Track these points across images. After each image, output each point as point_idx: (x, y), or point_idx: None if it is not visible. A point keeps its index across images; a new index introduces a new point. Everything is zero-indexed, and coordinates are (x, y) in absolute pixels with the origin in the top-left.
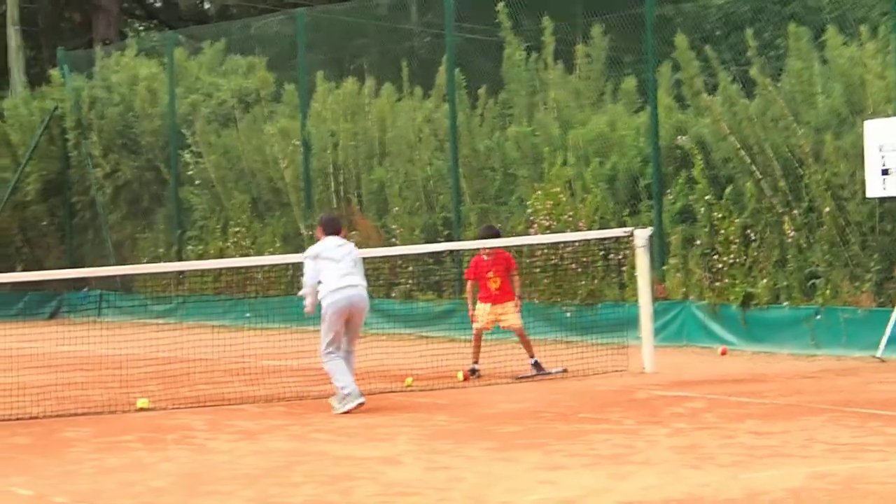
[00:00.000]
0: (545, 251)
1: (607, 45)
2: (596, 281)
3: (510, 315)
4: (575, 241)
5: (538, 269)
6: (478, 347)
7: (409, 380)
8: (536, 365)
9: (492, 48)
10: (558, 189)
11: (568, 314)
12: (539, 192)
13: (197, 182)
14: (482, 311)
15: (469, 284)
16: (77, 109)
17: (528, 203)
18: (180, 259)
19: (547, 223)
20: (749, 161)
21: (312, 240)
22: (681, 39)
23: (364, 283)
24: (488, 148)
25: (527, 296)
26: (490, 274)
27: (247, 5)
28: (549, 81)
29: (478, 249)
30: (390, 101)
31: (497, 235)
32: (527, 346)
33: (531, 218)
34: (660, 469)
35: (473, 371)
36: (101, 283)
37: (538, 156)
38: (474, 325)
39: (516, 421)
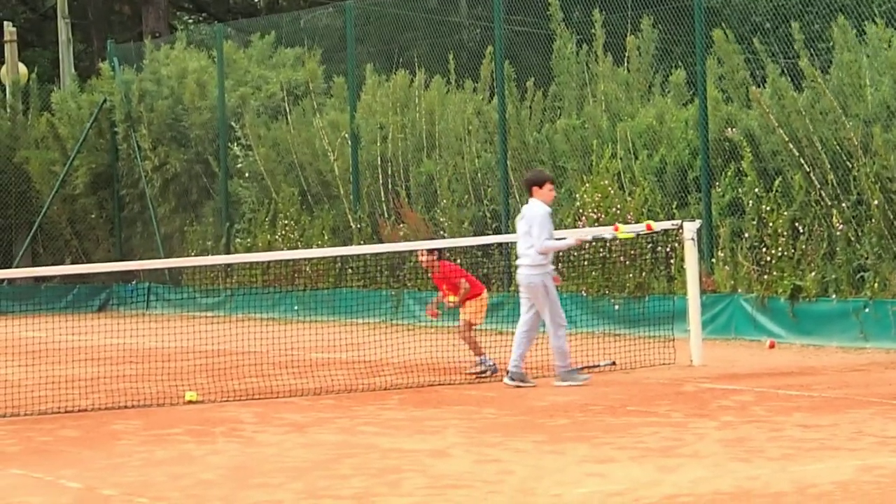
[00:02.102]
0: (594, 244)
1: (657, 38)
2: (644, 274)
3: (469, 310)
4: None
5: (586, 262)
6: (472, 345)
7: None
8: (484, 365)
9: (541, 41)
10: (607, 182)
11: (616, 307)
12: (588, 185)
13: (246, 175)
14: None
15: (462, 282)
16: (126, 102)
17: (576, 196)
18: (229, 252)
19: (595, 216)
20: (798, 154)
21: (361, 233)
22: (720, 34)
23: (524, 257)
24: (537, 141)
25: (575, 288)
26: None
27: None
28: (598, 74)
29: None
30: (440, 93)
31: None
32: (472, 344)
33: (580, 211)
34: (708, 462)
35: (484, 365)
36: (149, 276)
37: (587, 148)
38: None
39: (565, 414)
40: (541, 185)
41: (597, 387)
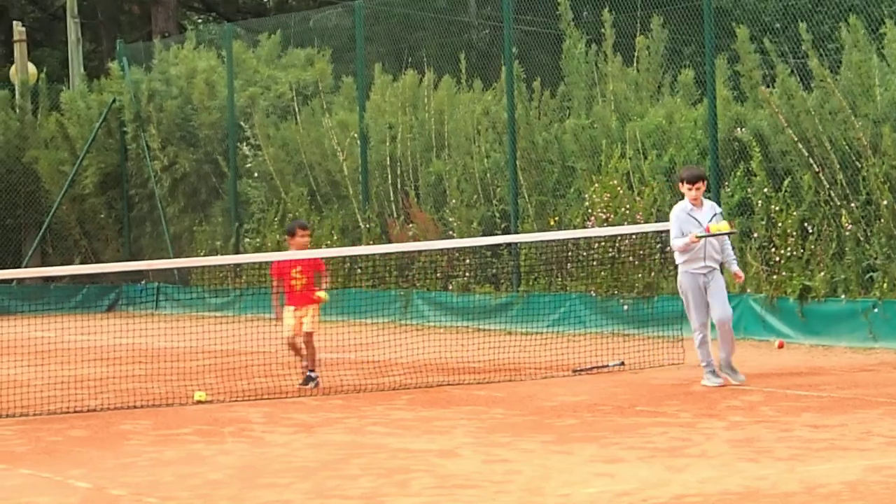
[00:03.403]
0: (603, 244)
1: (666, 38)
2: (653, 274)
3: (307, 319)
4: (632, 234)
5: (595, 262)
6: (300, 353)
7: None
8: (310, 378)
9: (550, 40)
10: (616, 182)
11: (625, 307)
12: (597, 185)
13: (255, 175)
14: (288, 317)
15: (275, 282)
16: (135, 102)
17: (585, 196)
18: (238, 252)
19: (604, 216)
20: (807, 154)
21: (370, 233)
22: (742, 31)
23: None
24: (546, 141)
25: (584, 288)
26: (296, 272)
27: None
28: (607, 74)
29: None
30: (449, 93)
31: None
32: (311, 355)
33: (589, 211)
34: (717, 462)
35: (311, 379)
36: (158, 276)
37: (596, 148)
38: (285, 335)
39: (573, 414)
40: (679, 184)
41: (606, 387)
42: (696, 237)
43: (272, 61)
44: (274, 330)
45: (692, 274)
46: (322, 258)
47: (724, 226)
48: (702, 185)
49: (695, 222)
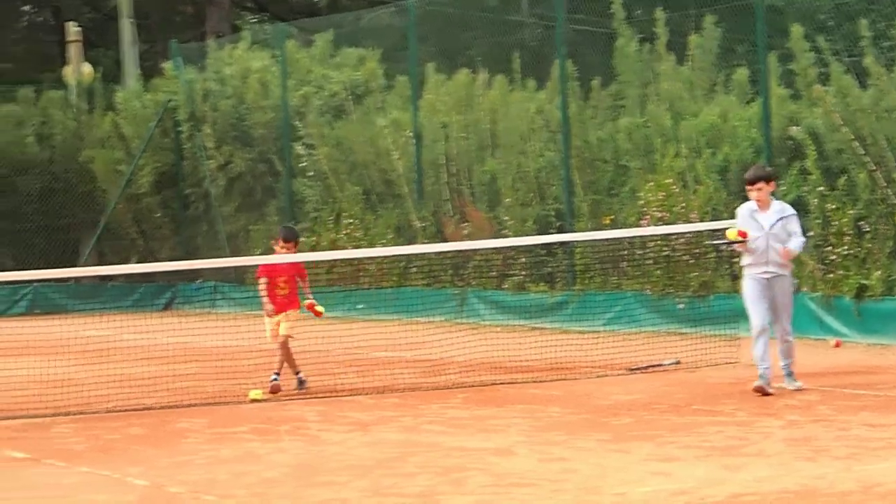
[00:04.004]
0: (657, 242)
1: (719, 36)
2: (708, 272)
3: (284, 323)
4: (687, 233)
5: (650, 261)
6: (288, 356)
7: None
8: (301, 382)
9: (603, 39)
10: (670, 180)
11: (680, 306)
12: (651, 184)
13: (309, 174)
14: (271, 324)
15: (263, 282)
16: (190, 102)
17: (639, 194)
18: None
19: (659, 214)
20: (862, 152)
21: (425, 231)
22: (796, 29)
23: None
24: (600, 139)
25: (639, 287)
26: (282, 280)
27: None
28: (661, 72)
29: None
30: (502, 92)
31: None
32: (288, 359)
33: (643, 209)
34: (773, 461)
35: (301, 382)
36: (214, 275)
37: (650, 147)
38: (271, 338)
39: (629, 412)
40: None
41: (661, 386)
42: (711, 245)
43: (325, 61)
44: (328, 328)
45: (754, 279)
46: (303, 263)
47: (731, 233)
48: (763, 186)
49: (756, 224)
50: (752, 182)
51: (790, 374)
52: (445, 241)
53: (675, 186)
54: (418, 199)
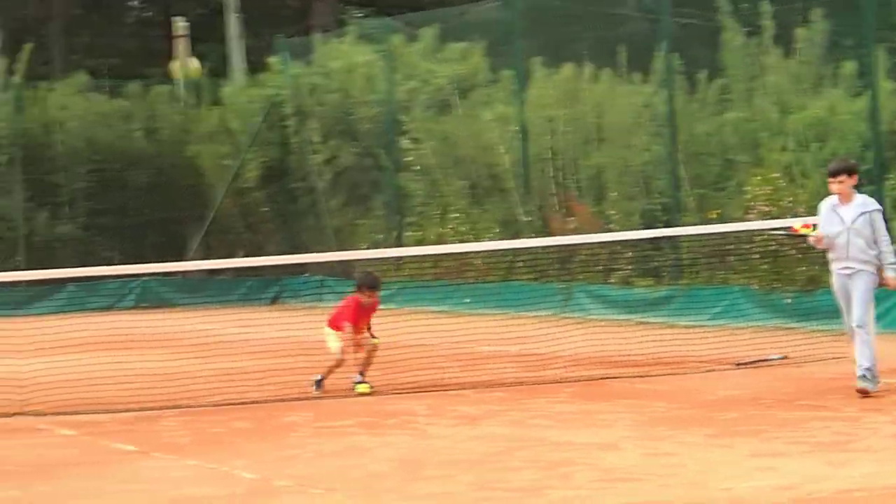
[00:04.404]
0: (763, 237)
1: (827, 29)
2: (816, 267)
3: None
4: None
5: (757, 256)
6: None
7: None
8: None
9: (709, 33)
10: (777, 174)
11: (787, 300)
12: (758, 178)
13: (415, 168)
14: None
15: (349, 328)
16: (296, 96)
17: (746, 189)
18: (399, 245)
19: (766, 209)
20: None
21: (530, 225)
22: None
23: None
24: (706, 133)
25: (745, 281)
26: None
27: None
28: (767, 66)
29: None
30: (608, 86)
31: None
32: (367, 361)
33: (750, 203)
34: (881, 457)
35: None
36: (320, 269)
37: (756, 141)
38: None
39: (735, 407)
40: None
41: (768, 381)
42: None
43: (430, 55)
44: (434, 322)
45: (836, 274)
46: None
47: (798, 225)
48: (845, 179)
49: (837, 218)
50: (834, 174)
51: (869, 375)
52: (551, 235)
53: (781, 181)
54: (524, 194)
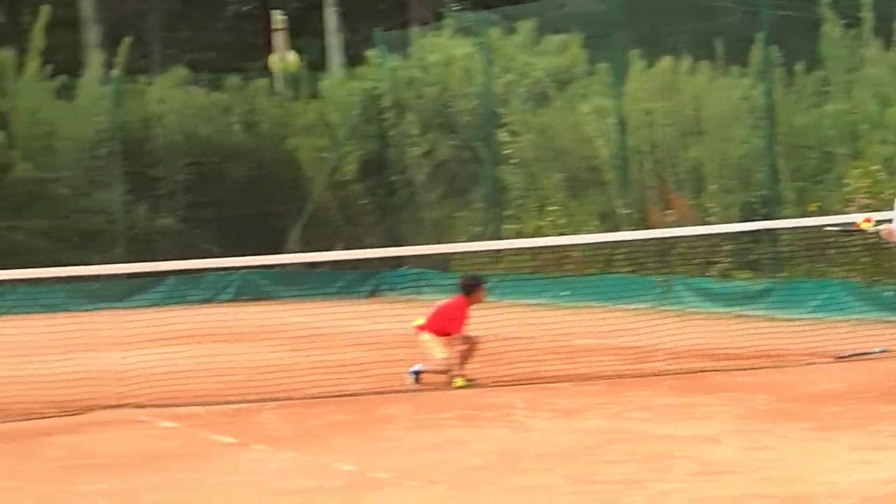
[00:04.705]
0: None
1: None
2: None
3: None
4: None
5: (857, 248)
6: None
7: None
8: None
9: (807, 24)
10: (877, 167)
11: (888, 293)
12: (857, 171)
13: (513, 161)
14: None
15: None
16: (394, 89)
17: (846, 181)
18: (498, 238)
19: (866, 201)
20: None
21: (629, 219)
22: None
23: None
24: (805, 126)
25: (845, 274)
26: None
27: None
28: (867, 58)
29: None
30: (706, 78)
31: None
32: (464, 356)
33: (849, 196)
34: None
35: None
36: (419, 262)
37: (856, 133)
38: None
39: (836, 401)
40: None
41: (869, 374)
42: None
43: (528, 48)
44: (533, 315)
45: None
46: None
47: (861, 221)
48: None
49: None
50: None
51: None
52: (650, 228)
53: (881, 173)
54: (622, 187)
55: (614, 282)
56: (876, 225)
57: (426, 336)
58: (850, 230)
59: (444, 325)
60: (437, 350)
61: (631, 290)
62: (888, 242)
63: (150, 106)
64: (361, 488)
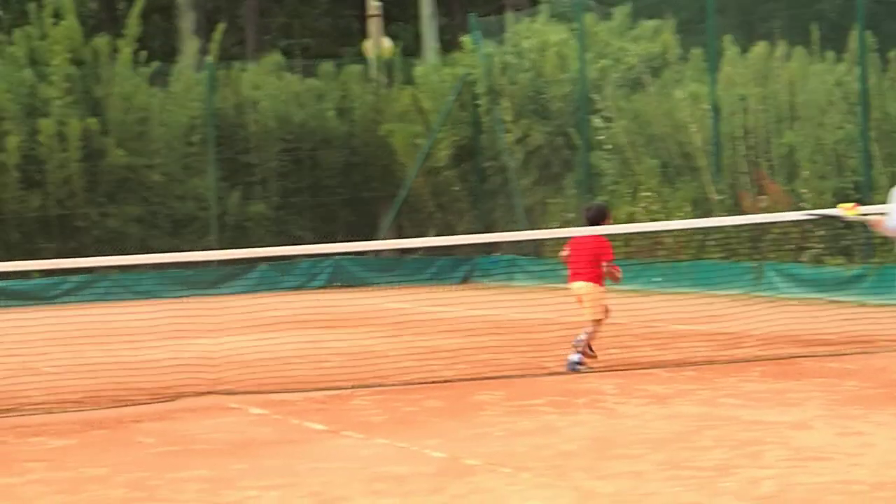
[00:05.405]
0: None
1: None
2: None
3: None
4: None
5: None
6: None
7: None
8: (578, 361)
9: None
10: None
11: None
12: None
13: (607, 147)
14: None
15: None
16: (488, 75)
17: None
18: None
19: None
20: None
21: (722, 204)
22: None
23: None
24: None
25: None
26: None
27: None
28: None
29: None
30: (801, 64)
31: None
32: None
33: None
34: None
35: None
36: (511, 248)
37: None
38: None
39: None
40: None
41: None
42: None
43: (623, 33)
44: (626, 301)
45: None
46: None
47: (844, 206)
48: None
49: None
50: None
51: None
52: (743, 213)
53: None
54: (716, 172)
55: (707, 267)
56: (862, 215)
57: (579, 285)
58: (832, 216)
59: (594, 261)
60: (589, 305)
61: (723, 275)
62: (877, 232)
63: (244, 92)
64: (452, 475)
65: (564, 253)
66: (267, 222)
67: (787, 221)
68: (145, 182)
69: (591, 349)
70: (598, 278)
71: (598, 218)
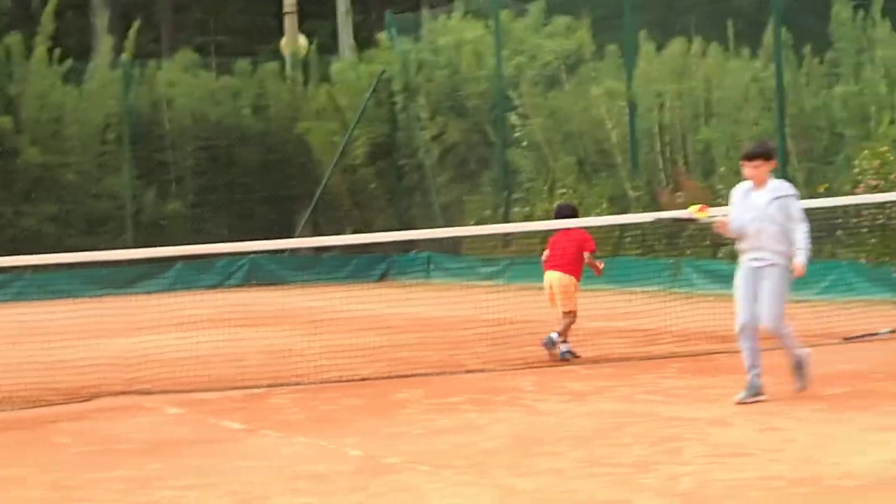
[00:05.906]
0: (871, 211)
1: None
2: None
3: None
4: None
5: (865, 230)
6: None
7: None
8: (567, 352)
9: (818, 6)
10: (886, 148)
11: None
12: (866, 152)
13: (523, 144)
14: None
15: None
16: (405, 72)
17: (854, 163)
18: (507, 221)
19: (874, 182)
20: None
21: (639, 201)
22: None
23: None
24: (815, 107)
25: (853, 255)
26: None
27: None
28: (876, 39)
29: None
30: (717, 60)
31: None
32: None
33: (858, 178)
34: None
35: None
36: (429, 246)
37: (865, 115)
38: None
39: (847, 382)
40: None
41: (879, 355)
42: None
43: (538, 30)
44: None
45: (744, 266)
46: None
47: (693, 209)
48: (761, 164)
49: (750, 204)
50: (750, 158)
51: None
52: (660, 210)
53: (890, 154)
54: (632, 169)
55: (624, 264)
56: (710, 217)
57: (556, 276)
58: (683, 219)
59: (577, 253)
60: (562, 296)
61: (640, 272)
62: (724, 234)
63: (159, 90)
64: (373, 473)
65: (546, 254)
66: (183, 220)
67: (670, 219)
68: (60, 181)
69: (554, 342)
70: (576, 272)
71: (573, 213)
